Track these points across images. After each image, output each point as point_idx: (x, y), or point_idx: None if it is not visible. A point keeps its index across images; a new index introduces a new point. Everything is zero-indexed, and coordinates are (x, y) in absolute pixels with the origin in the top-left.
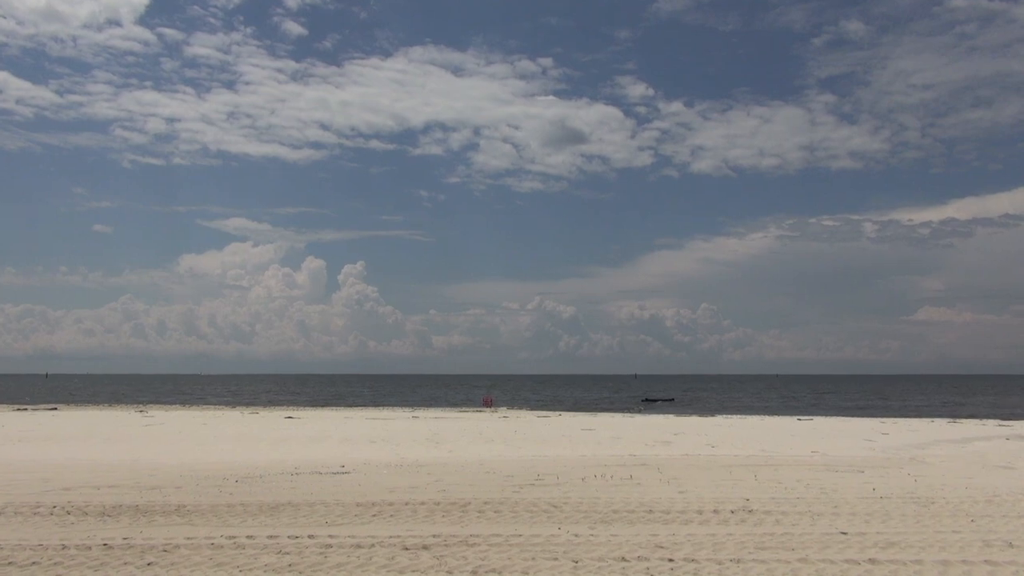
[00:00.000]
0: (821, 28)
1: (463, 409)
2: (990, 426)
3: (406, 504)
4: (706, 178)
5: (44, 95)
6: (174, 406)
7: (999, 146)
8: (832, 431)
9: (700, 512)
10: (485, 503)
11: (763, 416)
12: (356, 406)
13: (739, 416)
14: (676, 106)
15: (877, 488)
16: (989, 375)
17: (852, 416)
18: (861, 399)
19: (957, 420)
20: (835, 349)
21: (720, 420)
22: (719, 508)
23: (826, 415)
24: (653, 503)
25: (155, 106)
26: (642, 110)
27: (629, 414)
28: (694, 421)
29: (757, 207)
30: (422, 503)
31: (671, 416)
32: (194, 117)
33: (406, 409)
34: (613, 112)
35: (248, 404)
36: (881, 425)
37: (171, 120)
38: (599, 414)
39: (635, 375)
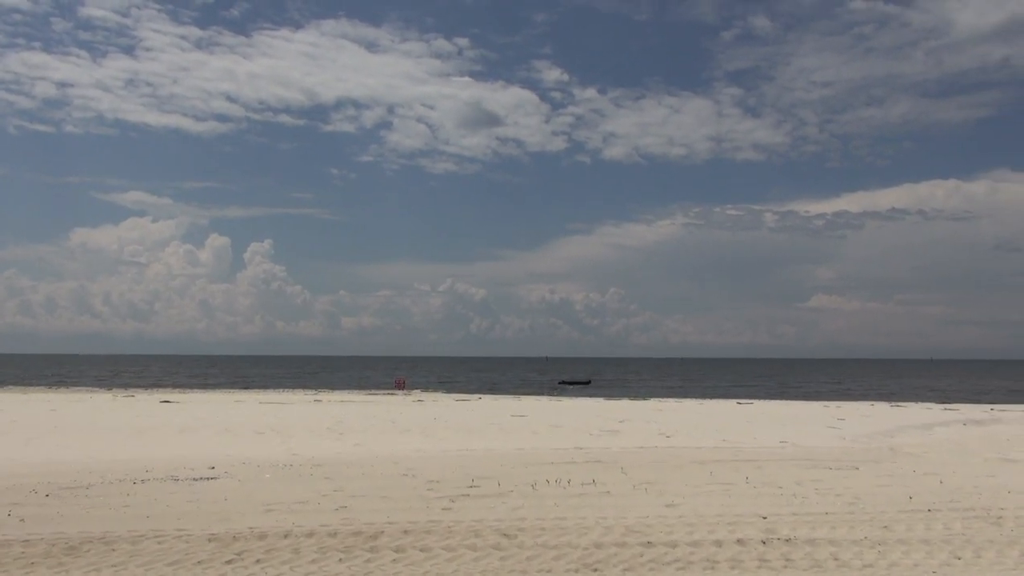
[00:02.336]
0: (730, 22)
1: (372, 392)
2: (936, 410)
3: (286, 536)
4: (617, 165)
5: None
6: (37, 388)
7: (888, 143)
8: (784, 416)
9: (719, 544)
10: (404, 532)
11: (700, 400)
12: (252, 388)
13: (674, 400)
14: (590, 92)
15: (905, 492)
16: (876, 359)
17: (790, 399)
18: (774, 381)
19: (899, 404)
20: (735, 333)
21: (656, 404)
22: (741, 536)
23: (752, 398)
24: (643, 527)
25: (44, 69)
26: (557, 95)
27: (554, 397)
28: (630, 405)
29: (665, 195)
30: (310, 533)
31: (602, 400)
32: (88, 83)
33: (308, 392)
34: (528, 96)
35: (128, 386)
36: (826, 409)
37: (62, 85)
38: (522, 397)
39: (546, 358)
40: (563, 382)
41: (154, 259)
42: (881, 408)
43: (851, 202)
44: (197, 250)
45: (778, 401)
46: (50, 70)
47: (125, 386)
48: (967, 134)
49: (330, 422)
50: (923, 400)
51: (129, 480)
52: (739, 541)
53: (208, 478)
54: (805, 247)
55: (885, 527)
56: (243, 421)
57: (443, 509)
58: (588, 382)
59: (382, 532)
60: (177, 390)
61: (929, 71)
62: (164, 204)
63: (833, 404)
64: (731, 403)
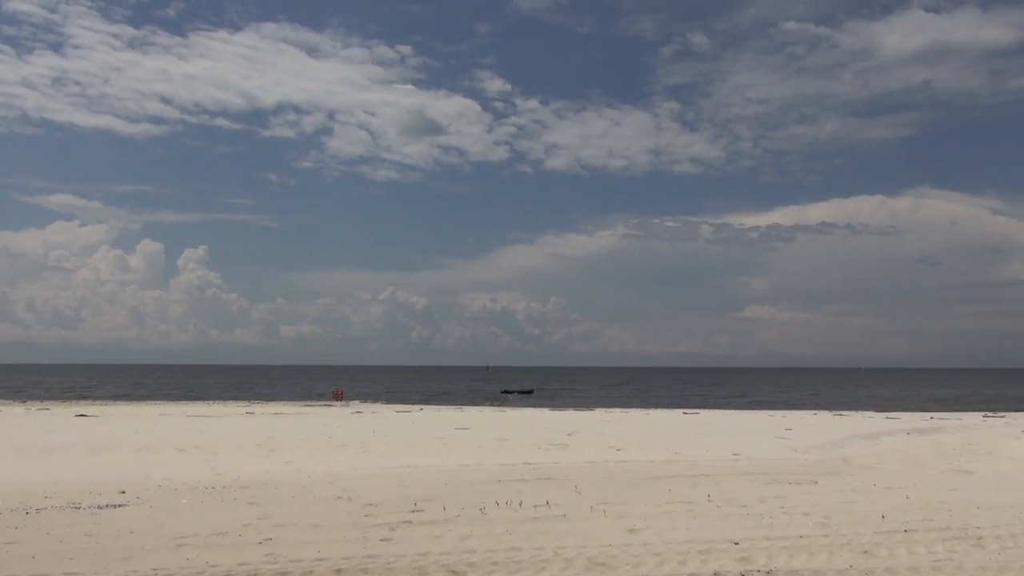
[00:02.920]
0: (669, 38)
1: (308, 403)
2: (878, 419)
3: None
4: (559, 175)
5: None
6: None
7: (819, 159)
8: (732, 427)
9: None
10: (337, 570)
11: (646, 410)
12: (181, 399)
13: (620, 410)
14: (532, 103)
15: (875, 510)
16: (808, 368)
17: (734, 409)
18: (719, 390)
19: (841, 413)
20: (672, 343)
21: (603, 414)
22: (717, 567)
23: (697, 407)
24: (607, 557)
25: None
26: (499, 105)
27: (496, 407)
28: (576, 417)
29: (606, 206)
30: (226, 574)
31: (547, 411)
32: (13, 80)
33: (241, 403)
34: (471, 105)
35: (46, 398)
36: (771, 419)
37: None
38: (465, 408)
39: (487, 367)
40: (506, 391)
41: (81, 264)
42: (824, 417)
43: (783, 215)
44: (128, 255)
45: (724, 411)
46: None
47: (41, 398)
48: (892, 152)
49: (260, 437)
50: (862, 408)
51: (22, 509)
52: (715, 574)
53: (116, 505)
54: (739, 258)
55: (866, 552)
56: (165, 437)
57: (382, 540)
58: (531, 391)
59: (311, 572)
60: (99, 402)
61: (857, 91)
62: (93, 208)
63: (778, 414)
64: (677, 413)
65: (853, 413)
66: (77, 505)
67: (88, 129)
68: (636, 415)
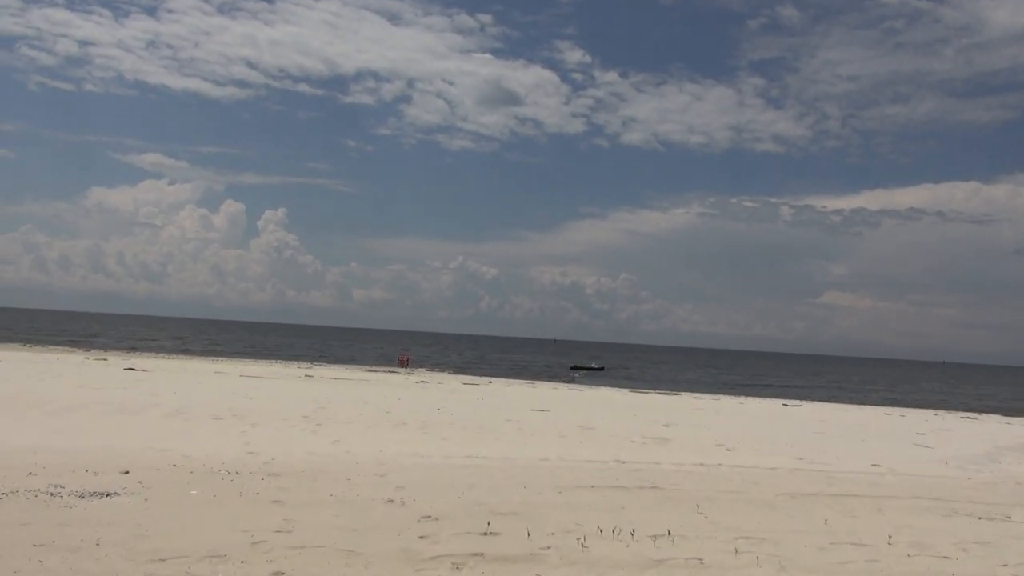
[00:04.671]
0: (757, 11)
1: (372, 368)
2: (1016, 425)
3: None
4: (635, 150)
5: None
6: (10, 346)
7: (911, 142)
8: (851, 427)
9: None
10: None
11: (738, 398)
12: (242, 356)
13: (709, 396)
14: (612, 76)
15: None
16: (886, 359)
17: (836, 402)
18: (800, 379)
19: (969, 416)
20: (745, 326)
21: (691, 401)
22: None
23: (783, 396)
24: None
25: (67, 26)
26: (578, 76)
27: (573, 385)
28: (662, 402)
29: (682, 183)
30: None
31: (627, 392)
32: (110, 42)
33: (303, 364)
34: (549, 76)
35: (107, 348)
36: (889, 417)
37: (84, 43)
38: (536, 383)
39: (554, 340)
40: (575, 367)
41: (168, 222)
42: (952, 420)
43: (869, 199)
44: (211, 215)
45: (830, 405)
46: (72, 27)
47: (106, 347)
48: (991, 136)
49: (311, 407)
50: (978, 410)
51: None
52: None
53: (105, 494)
54: (820, 242)
55: None
56: (205, 400)
57: None
58: (601, 368)
59: None
60: (161, 355)
61: (958, 70)
62: (180, 167)
63: (895, 412)
64: (775, 404)
65: (978, 416)
66: (57, 490)
67: (178, 91)
68: (729, 404)
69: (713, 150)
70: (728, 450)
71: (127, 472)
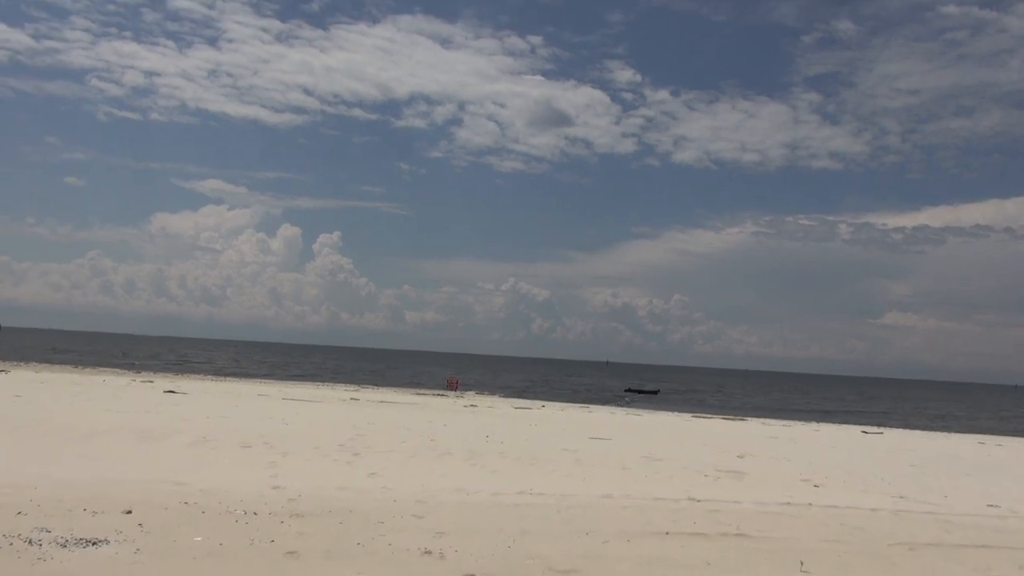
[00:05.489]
0: (812, 25)
1: (420, 391)
2: None
3: None
4: (687, 169)
5: (19, 39)
6: (60, 367)
7: (976, 156)
8: (947, 457)
9: None
10: None
11: (813, 424)
12: (290, 379)
13: (779, 422)
14: (662, 94)
15: None
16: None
17: (918, 429)
18: (868, 402)
19: None
20: (801, 347)
21: (760, 428)
22: None
23: (856, 422)
24: None
25: (134, 58)
26: (628, 96)
27: (630, 409)
28: (729, 429)
29: (735, 202)
30: None
31: (687, 416)
32: (174, 72)
33: (349, 387)
34: (600, 96)
35: (157, 370)
36: (983, 447)
37: (150, 74)
38: (591, 407)
39: (607, 362)
40: (629, 390)
41: (228, 246)
42: None
43: (932, 216)
44: (269, 239)
45: (913, 432)
46: (139, 59)
47: (157, 369)
48: None
49: (349, 433)
50: None
51: None
52: None
53: (92, 541)
54: (880, 261)
55: None
56: (237, 426)
57: None
58: (656, 391)
59: None
60: (208, 377)
61: None
62: (240, 193)
63: (988, 439)
64: (853, 431)
65: None
66: (39, 536)
67: (238, 118)
68: (803, 431)
69: (767, 168)
70: (816, 486)
71: (130, 511)
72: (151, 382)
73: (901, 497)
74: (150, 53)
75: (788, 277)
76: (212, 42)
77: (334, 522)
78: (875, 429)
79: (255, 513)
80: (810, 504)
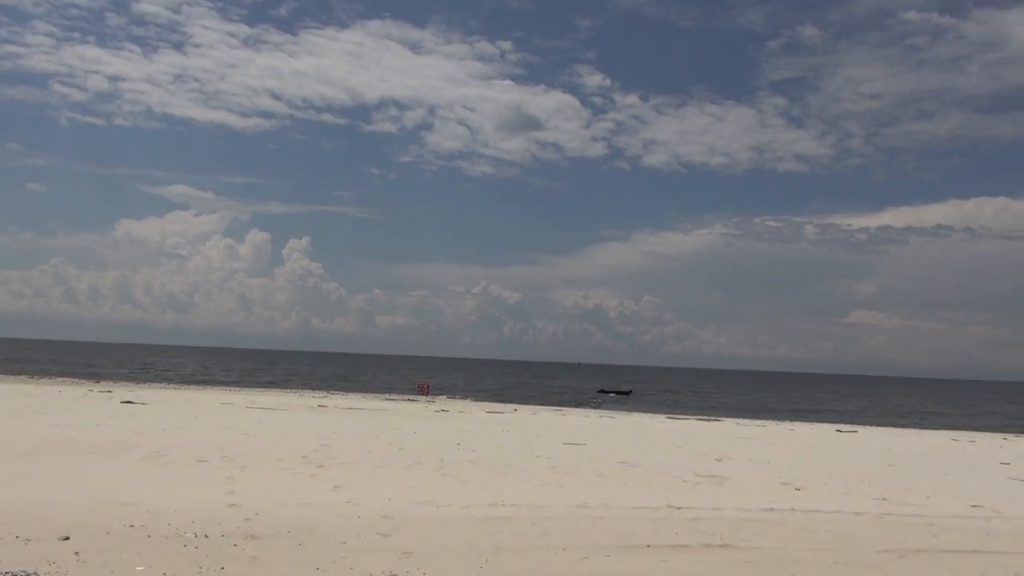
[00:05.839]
0: (778, 31)
1: (390, 396)
2: None
3: None
4: (656, 172)
5: None
6: (17, 378)
7: (936, 158)
8: (921, 455)
9: None
10: None
11: (787, 424)
12: (256, 386)
13: (754, 423)
14: (632, 99)
15: None
16: (919, 379)
17: (890, 427)
18: (838, 400)
19: None
20: (770, 347)
21: (736, 428)
22: None
23: (828, 420)
24: None
25: (98, 63)
26: (598, 100)
27: (604, 411)
28: (704, 429)
29: (704, 204)
30: None
31: (661, 418)
32: (139, 77)
33: (318, 393)
34: (569, 100)
35: (118, 379)
36: (957, 443)
37: (114, 79)
38: (564, 409)
39: (579, 364)
40: (602, 391)
41: (195, 252)
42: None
43: (895, 217)
44: (237, 244)
45: (887, 430)
46: (103, 64)
47: (118, 378)
48: (1019, 151)
49: (314, 444)
50: None
51: None
52: None
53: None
54: (845, 261)
55: None
56: (196, 438)
57: None
58: (629, 392)
59: None
60: (171, 386)
61: (983, 85)
62: (207, 198)
63: (961, 436)
64: (828, 430)
65: None
66: None
67: (204, 123)
68: (778, 431)
69: (735, 170)
70: (797, 490)
71: (67, 538)
72: (109, 392)
73: (883, 499)
74: (114, 58)
75: (756, 278)
76: (178, 47)
77: (292, 544)
78: (849, 428)
79: (206, 536)
80: (792, 509)
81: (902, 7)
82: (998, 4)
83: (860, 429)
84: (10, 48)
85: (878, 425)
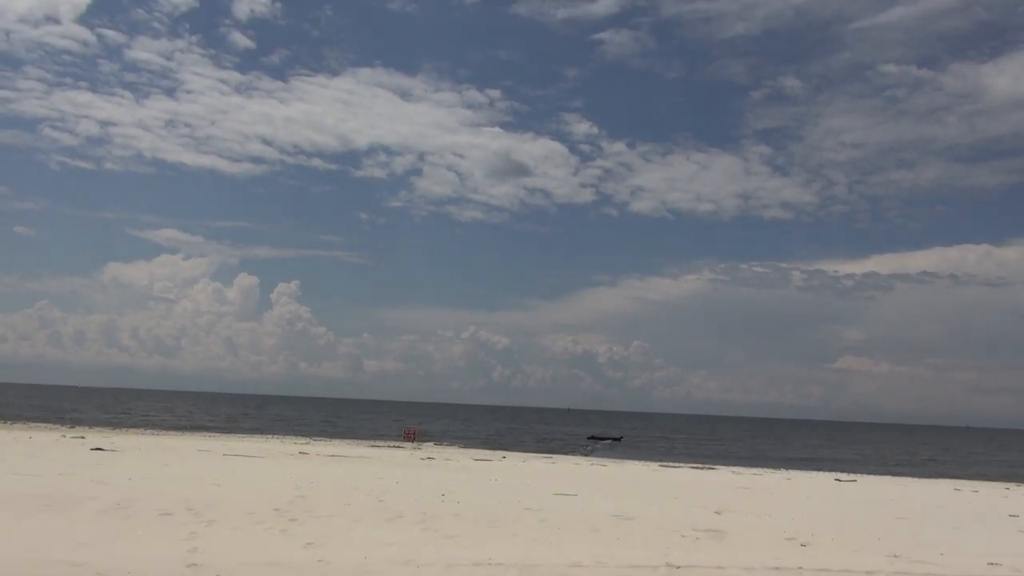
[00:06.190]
0: (760, 82)
1: (375, 443)
2: None
3: None
4: (644, 219)
5: None
6: None
7: (919, 207)
8: (928, 507)
9: None
10: None
11: (783, 471)
12: (235, 431)
13: (750, 471)
14: (619, 146)
15: None
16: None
17: (888, 475)
18: (832, 448)
19: None
20: (760, 392)
21: (732, 477)
22: None
23: (823, 468)
24: None
25: (89, 108)
26: (586, 148)
27: (595, 459)
28: (700, 479)
29: (692, 250)
30: None
31: (653, 466)
32: (130, 122)
33: (300, 440)
34: (558, 148)
35: (94, 424)
36: (960, 493)
37: (105, 124)
38: (554, 457)
39: (568, 409)
40: (592, 437)
41: (183, 296)
42: None
43: (880, 264)
44: (225, 288)
45: (887, 479)
46: (94, 109)
47: (94, 423)
48: (1000, 199)
49: (288, 495)
50: None
51: None
52: None
53: None
54: (833, 307)
55: None
56: (162, 488)
57: None
58: (620, 438)
59: None
60: (150, 431)
61: (962, 136)
62: (196, 242)
63: (963, 486)
64: (826, 479)
65: None
66: None
67: (195, 168)
68: (775, 480)
69: (721, 217)
70: (803, 545)
71: None
72: (82, 438)
73: (895, 556)
74: (106, 103)
75: (745, 323)
76: (170, 93)
77: None
78: (848, 477)
79: None
80: (800, 568)
81: (881, 60)
82: (974, 58)
83: (859, 478)
84: (2, 93)
85: (876, 474)
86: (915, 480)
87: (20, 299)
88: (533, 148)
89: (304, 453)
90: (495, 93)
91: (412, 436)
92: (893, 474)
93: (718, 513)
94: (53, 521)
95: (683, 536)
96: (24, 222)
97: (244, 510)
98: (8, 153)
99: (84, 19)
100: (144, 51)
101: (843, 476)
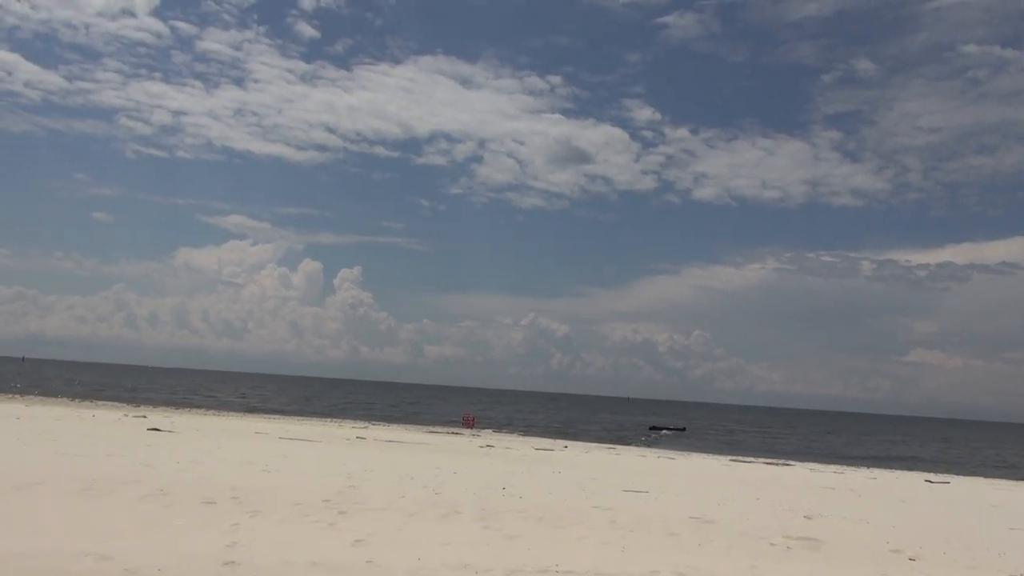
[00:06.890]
0: (831, 65)
1: (433, 428)
2: None
3: None
4: (707, 206)
5: (52, 80)
6: (59, 401)
7: (999, 193)
8: None
9: None
10: None
11: (864, 469)
12: (295, 414)
13: (831, 468)
14: (682, 132)
15: None
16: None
17: (978, 476)
18: (910, 444)
19: None
20: (824, 385)
21: (810, 475)
22: None
23: (903, 467)
24: None
25: (162, 98)
26: (648, 134)
27: (659, 450)
28: (778, 475)
29: (756, 238)
30: None
31: (723, 459)
32: (201, 111)
33: (358, 424)
34: (619, 134)
35: (159, 404)
36: None
37: (177, 113)
38: (617, 447)
39: (628, 398)
40: (654, 427)
41: (250, 280)
42: None
43: (956, 253)
44: (291, 273)
45: (982, 481)
46: (167, 99)
47: (159, 403)
48: None
49: (338, 485)
50: None
51: None
52: None
53: None
54: (904, 298)
55: None
56: (209, 473)
57: None
58: (683, 429)
59: None
60: (210, 412)
61: None
62: (263, 228)
63: None
64: (915, 480)
65: None
66: None
67: (262, 156)
68: (859, 479)
69: (788, 205)
70: (911, 559)
71: None
72: (144, 417)
73: (1015, 571)
74: (179, 93)
75: (810, 314)
76: (239, 82)
77: None
78: (939, 478)
79: None
80: None
81: (961, 40)
82: None
83: (954, 479)
84: (82, 84)
85: (966, 474)
86: (1016, 484)
87: (98, 282)
88: (594, 134)
89: (361, 438)
90: (556, 79)
91: (471, 422)
92: (984, 475)
93: (808, 518)
94: (90, 506)
95: (772, 544)
96: (101, 208)
97: (291, 500)
98: (87, 142)
99: (158, 12)
100: (214, 42)
101: (933, 477)
